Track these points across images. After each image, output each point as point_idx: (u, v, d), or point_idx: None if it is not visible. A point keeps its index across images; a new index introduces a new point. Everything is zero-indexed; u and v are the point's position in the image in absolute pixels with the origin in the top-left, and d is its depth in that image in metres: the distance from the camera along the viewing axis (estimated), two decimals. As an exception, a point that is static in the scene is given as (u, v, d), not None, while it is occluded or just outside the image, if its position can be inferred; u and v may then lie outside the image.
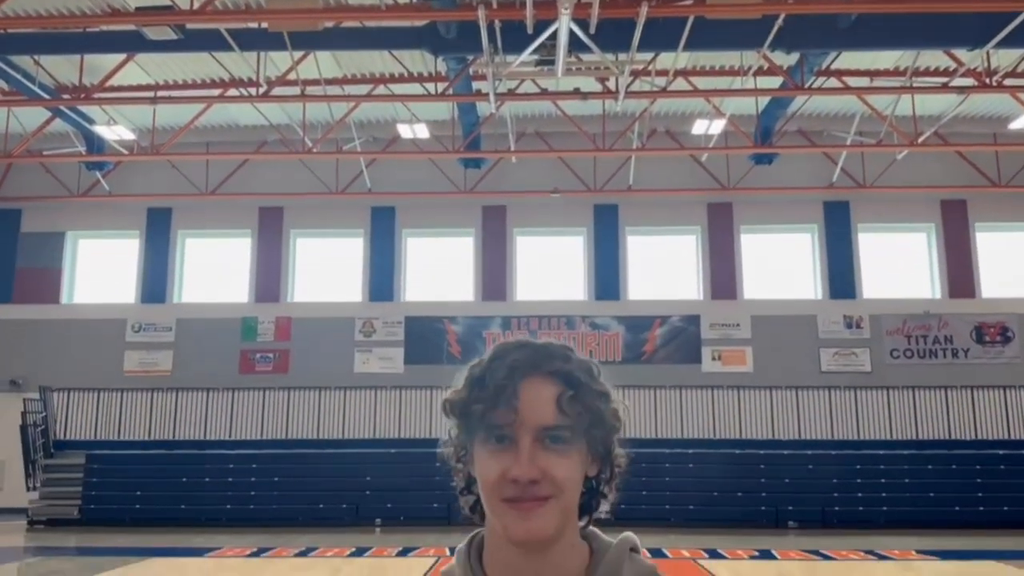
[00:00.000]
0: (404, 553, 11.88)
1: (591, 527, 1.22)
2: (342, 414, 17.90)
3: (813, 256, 19.48)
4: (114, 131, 16.57)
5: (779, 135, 17.68)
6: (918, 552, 12.10)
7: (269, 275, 19.92)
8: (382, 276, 19.75)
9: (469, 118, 16.94)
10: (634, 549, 1.20)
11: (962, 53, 13.82)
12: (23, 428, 16.33)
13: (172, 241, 20.14)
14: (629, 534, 1.23)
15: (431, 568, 10.51)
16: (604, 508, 1.23)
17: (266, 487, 16.12)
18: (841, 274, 19.02)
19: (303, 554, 12.07)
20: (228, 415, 17.97)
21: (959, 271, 18.85)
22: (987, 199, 18.93)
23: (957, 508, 15.12)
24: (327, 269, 20.14)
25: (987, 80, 14.12)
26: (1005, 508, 15.06)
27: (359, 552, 12.25)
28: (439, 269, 19.94)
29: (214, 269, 20.21)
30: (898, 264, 19.13)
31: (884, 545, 12.67)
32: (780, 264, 19.40)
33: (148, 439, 17.49)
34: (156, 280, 19.89)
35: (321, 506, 15.91)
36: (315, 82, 15.31)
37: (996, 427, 16.93)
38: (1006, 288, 18.74)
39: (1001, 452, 16.17)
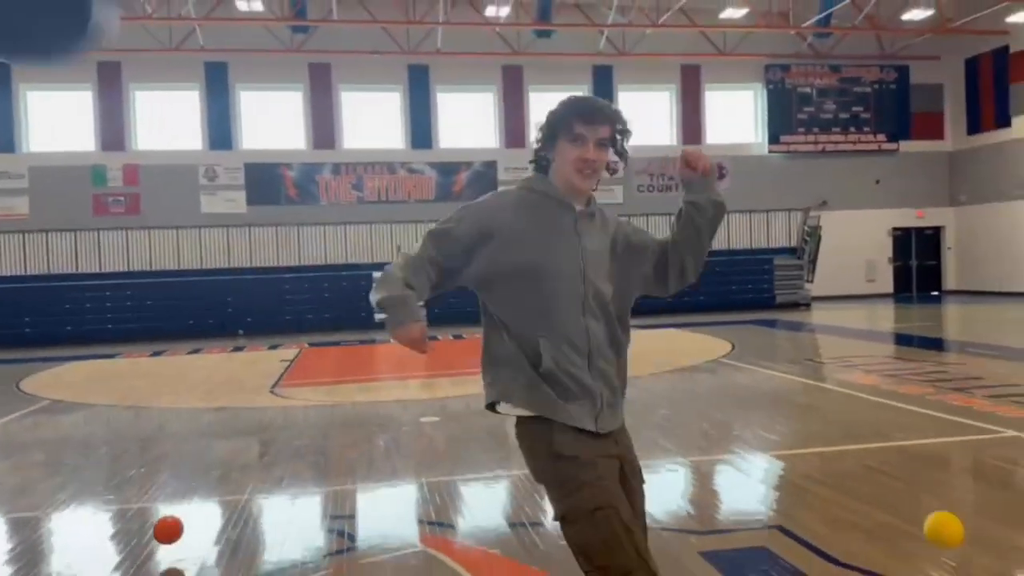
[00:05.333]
0: (273, 348, 16.08)
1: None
2: (199, 248, 21.21)
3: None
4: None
5: (557, 9, 21.68)
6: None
7: (113, 125, 21.98)
8: (220, 126, 22.39)
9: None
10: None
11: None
12: (-92, 269, 18.42)
13: (15, 92, 21.51)
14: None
15: (297, 355, 14.81)
16: (618, 171, 2.74)
17: (141, 309, 19.49)
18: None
19: (195, 352, 16.00)
20: (95, 251, 20.78)
21: (691, 123, 24.36)
22: (716, 65, 24.23)
23: (667, 300, 21.17)
24: (168, 120, 22.42)
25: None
26: (701, 298, 21.32)
27: (238, 349, 16.33)
28: (273, 120, 22.82)
29: (59, 120, 21.92)
30: (648, 118, 24.21)
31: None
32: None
33: (24, 274, 20.10)
34: (3, 130, 21.41)
35: (191, 322, 19.57)
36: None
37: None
38: (725, 135, 24.55)
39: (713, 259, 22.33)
